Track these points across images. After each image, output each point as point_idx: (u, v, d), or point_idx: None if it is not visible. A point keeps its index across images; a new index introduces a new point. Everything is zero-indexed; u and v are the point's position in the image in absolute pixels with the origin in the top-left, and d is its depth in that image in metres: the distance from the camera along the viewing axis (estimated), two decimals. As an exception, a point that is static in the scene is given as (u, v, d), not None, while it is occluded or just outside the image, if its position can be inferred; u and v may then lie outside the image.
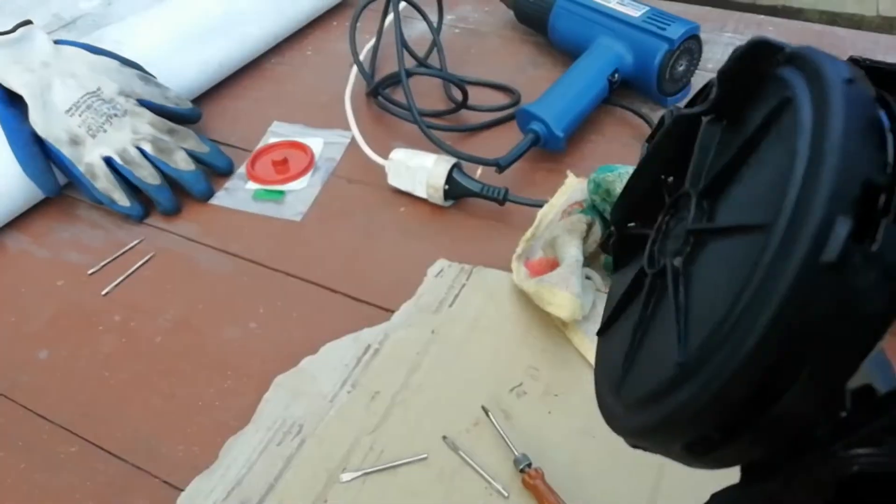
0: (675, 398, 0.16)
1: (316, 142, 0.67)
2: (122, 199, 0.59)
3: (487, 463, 0.41)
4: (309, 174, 0.63)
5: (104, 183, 0.59)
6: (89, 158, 0.59)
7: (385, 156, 0.61)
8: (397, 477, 0.42)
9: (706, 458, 0.17)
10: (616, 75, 0.64)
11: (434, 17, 0.76)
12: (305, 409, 0.45)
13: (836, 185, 0.13)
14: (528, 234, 0.53)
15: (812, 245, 0.13)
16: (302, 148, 0.66)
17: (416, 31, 0.78)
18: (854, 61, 0.60)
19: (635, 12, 0.65)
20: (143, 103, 0.63)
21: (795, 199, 0.14)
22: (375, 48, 0.74)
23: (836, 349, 0.13)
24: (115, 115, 0.61)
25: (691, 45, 0.65)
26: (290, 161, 0.64)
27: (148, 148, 0.60)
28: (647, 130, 0.63)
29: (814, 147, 0.15)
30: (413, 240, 0.57)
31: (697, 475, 0.40)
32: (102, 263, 0.57)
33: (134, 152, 0.60)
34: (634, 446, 0.20)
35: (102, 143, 0.60)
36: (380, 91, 0.69)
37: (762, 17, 0.79)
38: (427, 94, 0.72)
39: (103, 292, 0.55)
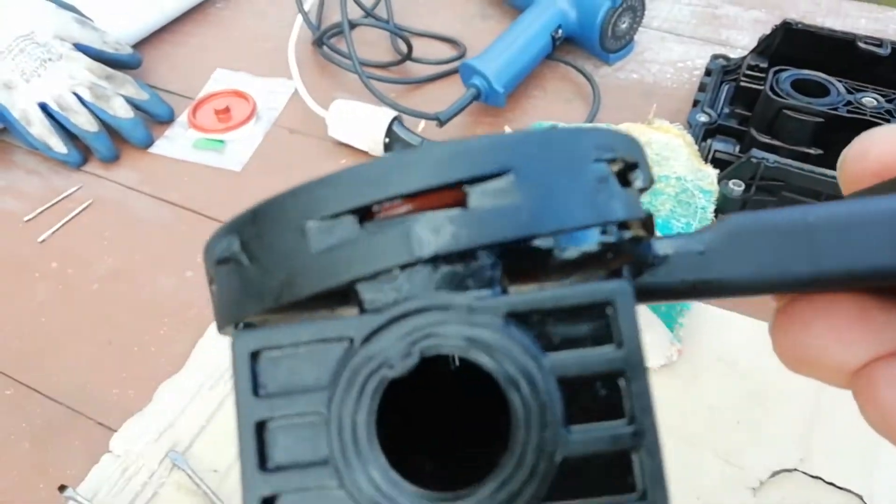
0: None
1: (259, 90, 0.66)
2: (58, 146, 0.59)
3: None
4: (251, 123, 0.63)
5: (40, 129, 0.58)
6: (23, 104, 0.58)
7: (328, 106, 0.61)
8: (325, 420, 0.44)
9: None
10: (559, 31, 0.65)
11: (383, -35, 0.75)
12: (238, 356, 0.47)
13: None
14: (463, 188, 0.54)
15: None
16: (244, 96, 0.65)
17: (366, -22, 0.77)
18: (787, 25, 0.61)
19: (580, -33, 0.65)
20: (79, 48, 0.62)
21: None
22: (322, -5, 0.73)
23: None
24: (50, 60, 0.60)
25: (634, 3, 0.65)
26: (232, 110, 0.64)
27: (85, 94, 0.60)
28: (589, 88, 0.65)
29: None
30: (352, 192, 0.58)
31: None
32: (39, 210, 0.57)
33: (70, 98, 0.59)
34: None
35: (37, 88, 0.59)
36: (324, 41, 0.68)
37: (711, -26, 0.79)
38: (375, 43, 0.72)
39: (40, 239, 0.55)
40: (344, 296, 0.12)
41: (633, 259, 0.14)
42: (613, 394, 0.11)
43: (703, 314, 0.45)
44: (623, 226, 0.13)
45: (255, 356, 0.12)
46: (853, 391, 0.14)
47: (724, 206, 0.48)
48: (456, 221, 0.12)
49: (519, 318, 0.11)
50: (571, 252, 0.13)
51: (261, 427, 0.12)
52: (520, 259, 0.12)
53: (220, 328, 0.14)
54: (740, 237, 0.14)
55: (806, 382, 0.42)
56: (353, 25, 0.65)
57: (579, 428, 0.11)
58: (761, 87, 0.54)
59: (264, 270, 0.13)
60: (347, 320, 0.11)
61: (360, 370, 0.11)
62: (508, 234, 0.12)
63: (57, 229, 0.56)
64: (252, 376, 0.12)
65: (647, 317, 0.44)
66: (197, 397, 0.45)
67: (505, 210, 0.12)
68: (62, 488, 0.40)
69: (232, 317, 0.13)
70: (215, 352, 0.47)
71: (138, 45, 0.71)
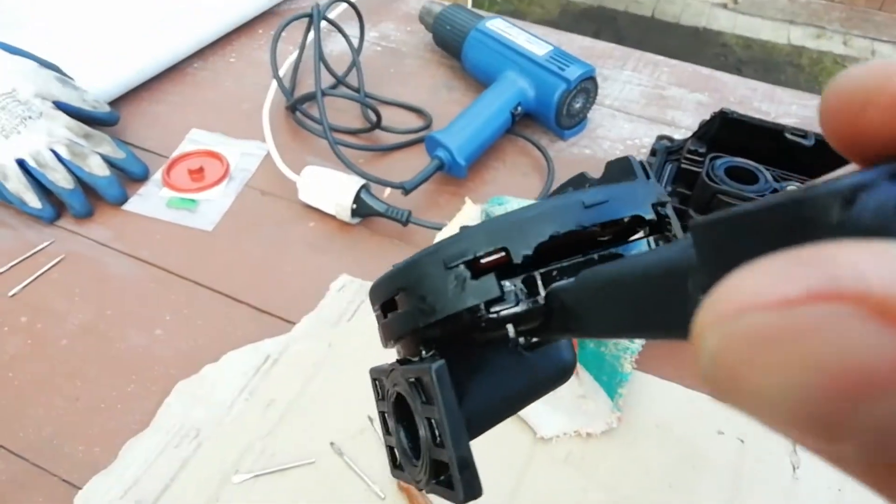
0: None
1: (232, 152, 0.69)
2: (33, 201, 0.61)
3: (369, 467, 0.46)
4: (223, 184, 0.66)
5: (15, 184, 0.60)
6: (1, 160, 0.60)
7: (299, 170, 0.65)
8: (286, 479, 0.46)
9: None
10: (519, 108, 0.70)
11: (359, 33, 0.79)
12: (204, 414, 0.49)
13: None
14: (425, 255, 0.57)
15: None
16: (218, 157, 0.68)
17: (340, 46, 0.82)
18: (723, 114, 0.67)
19: (540, 51, 0.71)
20: (59, 106, 0.64)
21: None
22: (297, 62, 0.77)
23: None
24: (30, 118, 0.62)
25: (588, 86, 0.71)
26: (205, 170, 0.67)
27: (62, 151, 0.62)
28: (545, 162, 0.69)
29: None
30: (319, 254, 0.61)
31: (559, 469, 0.46)
32: (10, 264, 0.58)
33: (48, 155, 0.61)
34: None
35: (16, 144, 0.61)
36: (298, 107, 0.72)
37: (659, 57, 0.86)
38: (346, 110, 0.76)
39: (10, 293, 0.56)
40: None
41: (512, 321, 0.19)
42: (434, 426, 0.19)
43: (642, 384, 0.49)
44: (494, 301, 0.19)
45: (374, 379, 0.24)
46: None
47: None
48: (384, 323, 0.22)
49: (413, 379, 0.20)
50: (452, 328, 0.19)
51: (383, 413, 0.23)
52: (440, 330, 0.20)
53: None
54: (591, 299, 0.17)
55: (731, 448, 0.46)
56: (324, 94, 0.69)
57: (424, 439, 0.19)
58: (700, 171, 0.59)
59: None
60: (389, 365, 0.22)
61: (389, 390, 0.22)
62: (404, 330, 0.20)
63: (28, 283, 0.57)
64: (375, 387, 0.23)
65: (590, 386, 0.48)
66: (162, 455, 0.46)
67: (400, 315, 0.20)
68: (25, 545, 0.41)
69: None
70: (181, 410, 0.49)
71: (116, 102, 0.73)
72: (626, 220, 0.19)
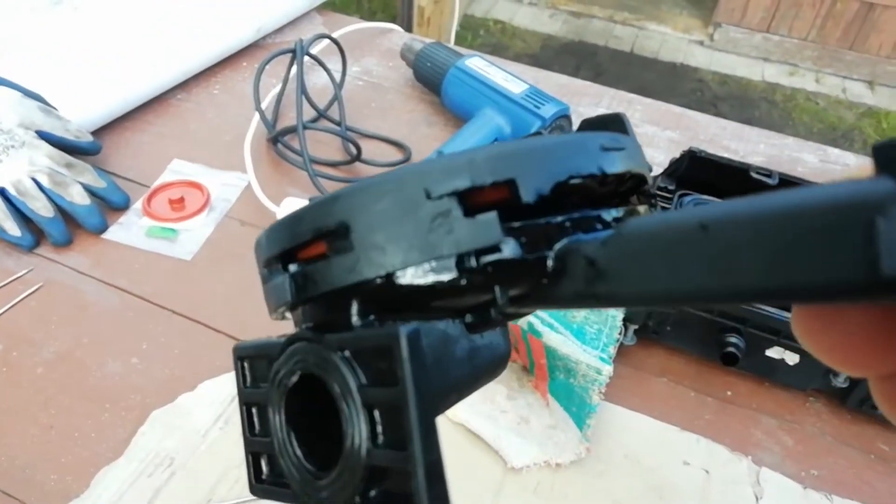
0: None
1: (213, 182, 0.70)
2: (12, 229, 0.61)
3: (341, 497, 0.47)
4: (203, 214, 0.67)
5: (-4, 212, 0.61)
6: (-18, 188, 0.61)
7: (279, 201, 0.66)
8: (258, 509, 0.46)
9: None
10: (495, 144, 0.72)
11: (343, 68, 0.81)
12: (178, 443, 0.49)
13: None
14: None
15: None
16: (199, 187, 0.69)
17: (322, 80, 0.83)
18: (692, 152, 0.69)
19: (517, 89, 0.73)
20: (42, 135, 0.65)
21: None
22: (280, 95, 0.79)
23: None
24: (13, 147, 0.63)
25: (562, 123, 0.73)
26: (186, 200, 0.67)
27: (44, 180, 0.63)
28: (520, 195, 0.71)
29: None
30: (297, 284, 0.62)
31: (528, 499, 0.46)
32: (-12, 292, 0.58)
33: (29, 184, 0.62)
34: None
35: (-3, 173, 0.61)
36: (279, 139, 0.73)
37: (633, 95, 0.89)
38: (327, 143, 0.77)
39: (-13, 321, 0.56)
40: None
41: (505, 281, 0.14)
42: (396, 416, 0.13)
43: (611, 415, 0.50)
44: (487, 250, 0.13)
45: (241, 358, 0.18)
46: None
47: (633, 315, 0.54)
48: (310, 273, 0.15)
49: (350, 351, 0.14)
50: (422, 282, 0.14)
51: (249, 406, 0.18)
52: (384, 294, 0.14)
53: None
54: (632, 255, 0.13)
55: (697, 478, 0.47)
56: (306, 127, 0.70)
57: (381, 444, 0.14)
58: (669, 207, 0.62)
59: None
60: (275, 341, 0.17)
61: (275, 376, 0.16)
62: (338, 283, 0.14)
63: (5, 311, 0.57)
64: (242, 371, 0.18)
65: (560, 416, 0.49)
66: (135, 485, 0.46)
67: (336, 263, 0.14)
68: (-7, 576, 0.41)
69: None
70: (156, 439, 0.49)
71: (99, 131, 0.74)
72: (627, 176, 0.16)
